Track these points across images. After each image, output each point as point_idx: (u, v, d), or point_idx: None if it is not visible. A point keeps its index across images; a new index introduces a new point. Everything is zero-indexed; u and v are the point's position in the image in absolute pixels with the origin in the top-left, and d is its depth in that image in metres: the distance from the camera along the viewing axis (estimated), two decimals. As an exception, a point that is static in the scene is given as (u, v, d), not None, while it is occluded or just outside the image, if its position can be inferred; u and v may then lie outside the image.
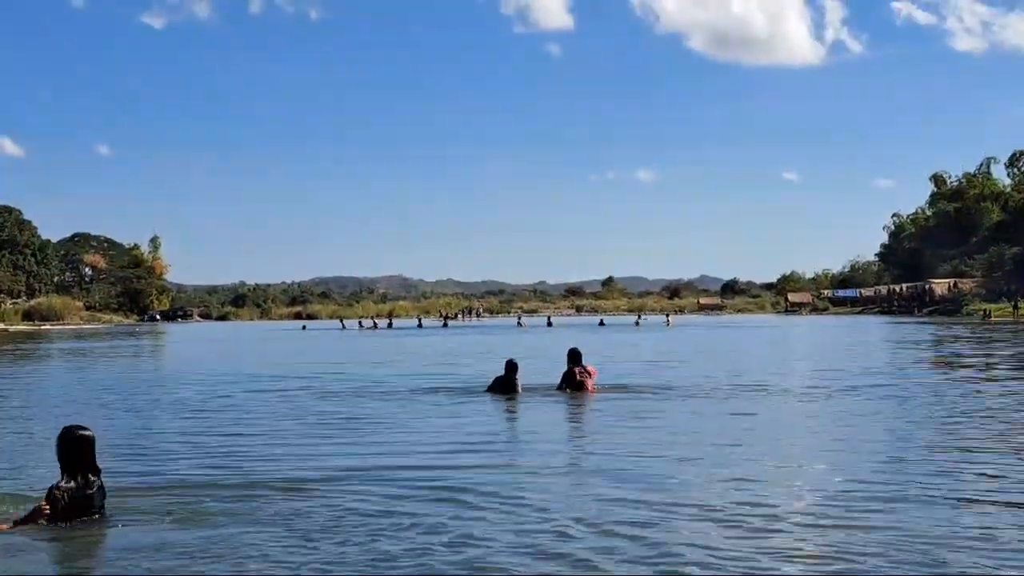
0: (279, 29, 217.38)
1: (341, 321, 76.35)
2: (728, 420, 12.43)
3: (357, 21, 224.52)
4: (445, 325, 74.01)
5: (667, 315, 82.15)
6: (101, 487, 6.80)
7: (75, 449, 6.71)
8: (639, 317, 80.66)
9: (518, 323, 73.03)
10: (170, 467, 9.30)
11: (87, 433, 6.79)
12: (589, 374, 15.96)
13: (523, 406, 14.60)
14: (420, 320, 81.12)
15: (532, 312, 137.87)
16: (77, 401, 16.39)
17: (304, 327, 70.30)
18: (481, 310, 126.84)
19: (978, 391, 15.51)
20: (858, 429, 11.33)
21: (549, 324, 70.74)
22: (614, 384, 16.90)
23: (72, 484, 6.64)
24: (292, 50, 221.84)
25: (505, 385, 15.85)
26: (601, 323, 70.29)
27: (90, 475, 6.72)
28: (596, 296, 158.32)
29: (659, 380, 18.17)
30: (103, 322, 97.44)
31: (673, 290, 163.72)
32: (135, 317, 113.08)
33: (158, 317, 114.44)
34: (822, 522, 6.66)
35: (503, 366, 16.26)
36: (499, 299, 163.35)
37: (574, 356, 16.12)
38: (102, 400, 16.40)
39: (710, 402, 14.57)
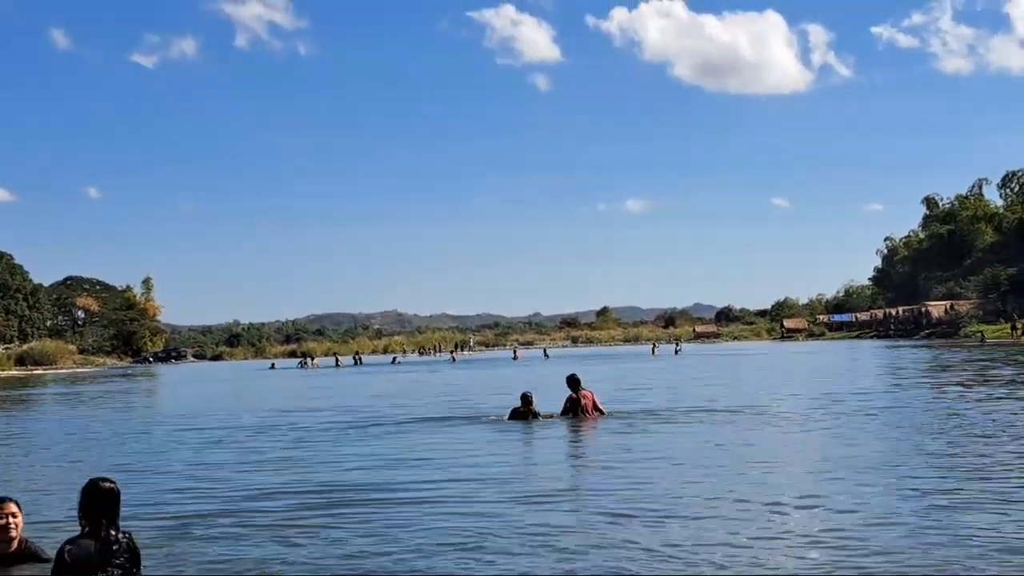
0: (267, 66, 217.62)
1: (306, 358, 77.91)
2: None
3: (345, 57, 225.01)
4: (423, 355, 73.24)
5: (676, 344, 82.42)
6: (131, 547, 6.21)
7: (96, 503, 6.21)
8: (655, 346, 79.87)
9: (513, 356, 72.62)
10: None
11: (110, 486, 6.26)
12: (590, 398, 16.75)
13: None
14: (358, 358, 78.65)
15: (528, 344, 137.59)
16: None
17: (272, 366, 71.10)
18: (473, 343, 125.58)
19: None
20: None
21: (545, 356, 70.38)
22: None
23: (90, 542, 6.16)
24: (280, 86, 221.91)
25: (520, 415, 16.59)
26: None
27: (113, 531, 6.21)
28: (591, 327, 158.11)
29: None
30: (96, 365, 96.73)
31: (668, 319, 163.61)
32: (129, 359, 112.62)
33: (151, 359, 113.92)
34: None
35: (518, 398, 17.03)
36: (494, 332, 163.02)
37: (573, 382, 16.82)
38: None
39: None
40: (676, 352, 67.29)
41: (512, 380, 31.96)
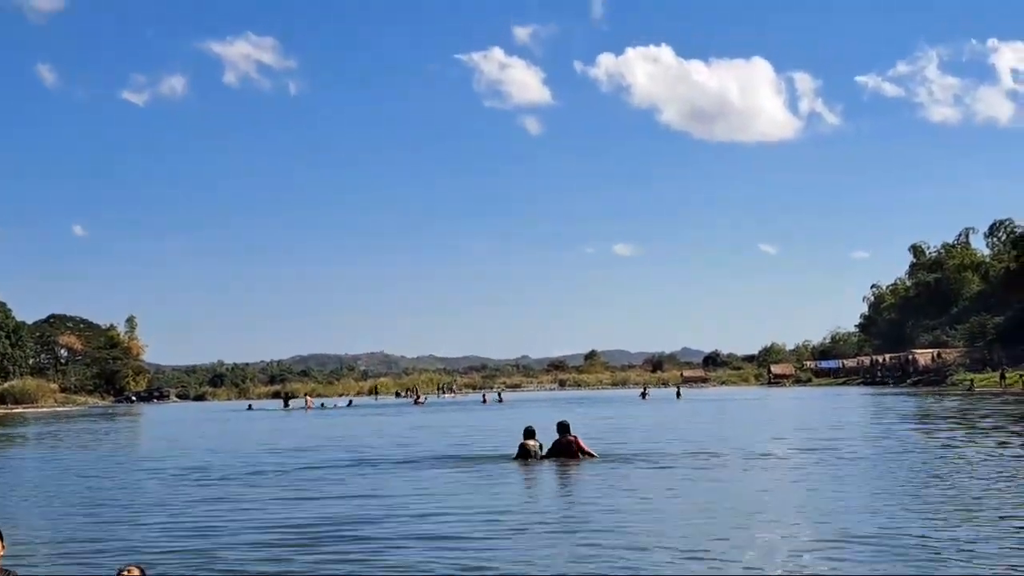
0: (257, 104, 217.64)
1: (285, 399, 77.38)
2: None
3: (335, 97, 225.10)
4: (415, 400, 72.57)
5: (678, 389, 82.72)
6: None
7: None
8: (645, 390, 79.83)
9: (482, 400, 72.55)
10: None
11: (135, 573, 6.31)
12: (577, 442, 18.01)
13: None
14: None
15: (516, 387, 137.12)
16: None
17: (249, 407, 70.29)
18: (455, 386, 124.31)
19: None
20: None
21: (499, 400, 70.00)
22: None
23: None
24: (270, 125, 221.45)
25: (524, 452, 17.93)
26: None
27: None
28: (579, 370, 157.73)
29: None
30: (78, 404, 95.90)
31: (655, 363, 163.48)
32: (111, 398, 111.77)
33: (134, 398, 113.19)
34: None
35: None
36: (482, 374, 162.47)
37: (563, 427, 18.19)
38: None
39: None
40: (678, 397, 66.32)
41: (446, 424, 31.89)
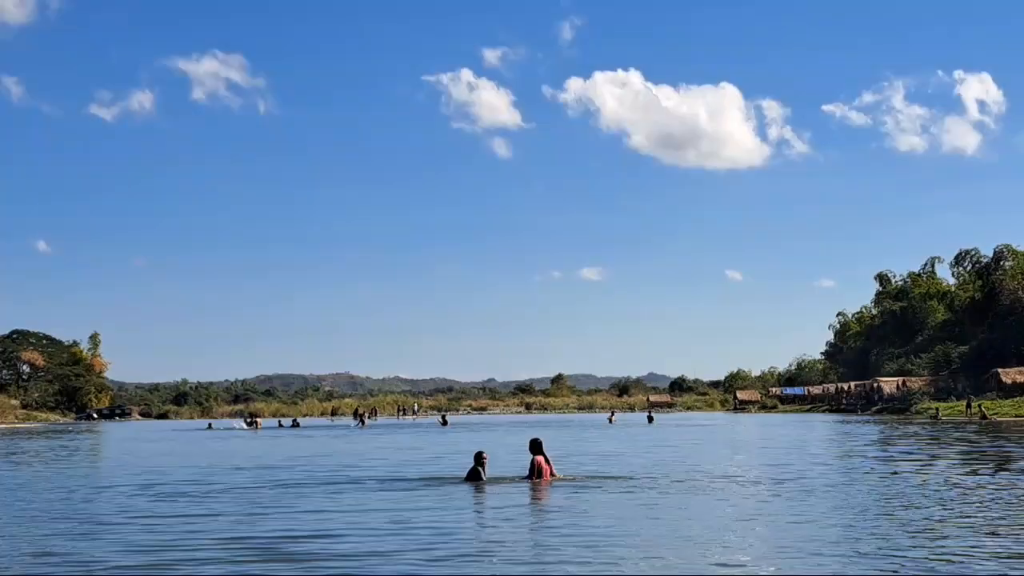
0: (226, 121, 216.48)
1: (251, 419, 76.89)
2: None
3: (303, 117, 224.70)
4: (361, 424, 71.54)
5: (649, 413, 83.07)
6: None
7: None
8: (612, 414, 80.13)
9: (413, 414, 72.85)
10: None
11: None
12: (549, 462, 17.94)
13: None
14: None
15: (482, 410, 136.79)
16: None
17: (209, 426, 71.99)
18: (418, 407, 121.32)
19: None
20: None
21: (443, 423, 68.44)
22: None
23: None
24: (239, 143, 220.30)
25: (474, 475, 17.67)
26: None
27: None
28: (546, 393, 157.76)
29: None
30: (39, 420, 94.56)
31: (622, 387, 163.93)
32: (72, 415, 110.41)
33: (95, 416, 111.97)
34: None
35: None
36: (447, 396, 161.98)
37: (536, 446, 17.93)
38: None
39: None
40: (649, 422, 65.68)
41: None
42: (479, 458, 17.84)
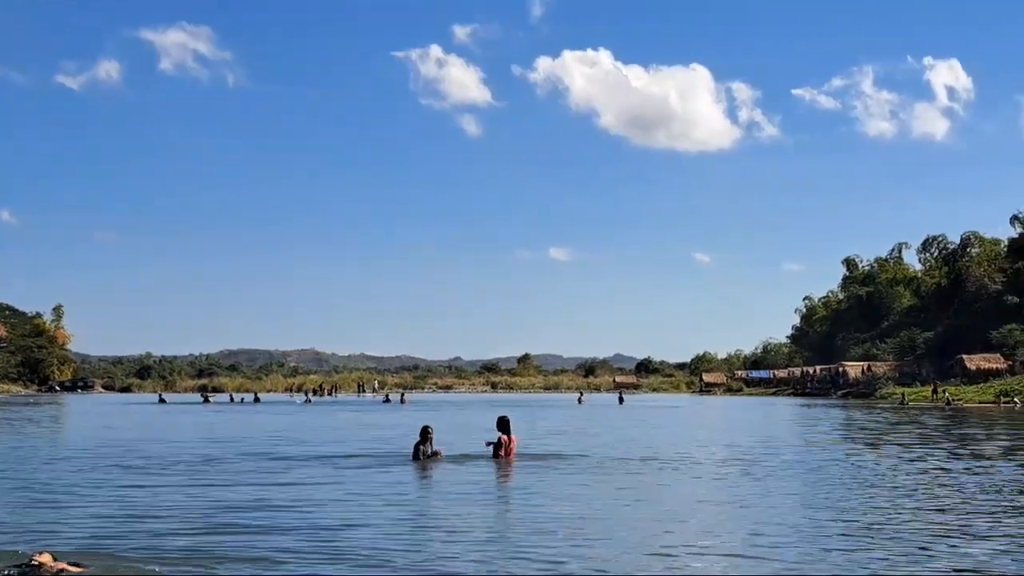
0: (193, 93, 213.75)
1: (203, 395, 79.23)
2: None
3: (271, 91, 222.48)
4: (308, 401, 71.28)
5: (620, 394, 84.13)
6: None
7: None
8: (581, 395, 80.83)
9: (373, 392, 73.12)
10: None
11: None
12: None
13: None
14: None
15: (448, 388, 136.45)
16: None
17: (161, 399, 71.89)
18: (378, 384, 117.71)
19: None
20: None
21: (387, 400, 71.05)
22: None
23: None
24: (206, 115, 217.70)
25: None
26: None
27: None
28: (512, 373, 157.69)
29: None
30: (0, 392, 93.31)
31: (588, 368, 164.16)
32: (34, 387, 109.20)
33: (58, 388, 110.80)
34: None
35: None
36: (414, 375, 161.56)
37: (503, 424, 18.02)
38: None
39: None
40: (620, 403, 65.89)
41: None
42: (424, 433, 17.67)
